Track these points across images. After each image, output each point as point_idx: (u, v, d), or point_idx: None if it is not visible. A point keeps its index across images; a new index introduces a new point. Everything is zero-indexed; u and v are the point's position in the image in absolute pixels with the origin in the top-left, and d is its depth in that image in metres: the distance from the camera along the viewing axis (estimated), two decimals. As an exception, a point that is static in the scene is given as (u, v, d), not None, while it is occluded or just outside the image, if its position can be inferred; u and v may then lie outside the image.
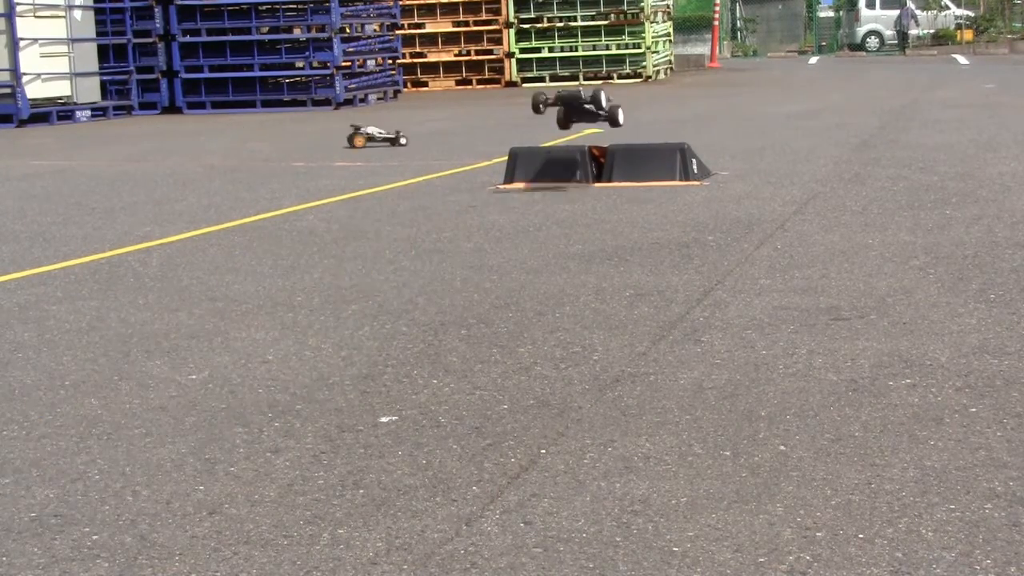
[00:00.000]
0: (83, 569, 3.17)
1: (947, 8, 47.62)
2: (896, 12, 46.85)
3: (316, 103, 24.47)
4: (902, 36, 48.53)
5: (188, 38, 24.38)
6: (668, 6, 32.98)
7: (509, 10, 29.88)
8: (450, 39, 30.41)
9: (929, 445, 3.86)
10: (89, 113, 22.53)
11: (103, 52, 23.74)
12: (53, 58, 21.81)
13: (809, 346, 5.07)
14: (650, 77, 30.08)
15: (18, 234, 8.90)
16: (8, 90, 21.19)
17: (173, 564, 3.18)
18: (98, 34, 23.36)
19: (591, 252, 7.35)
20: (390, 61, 27.43)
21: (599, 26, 30.11)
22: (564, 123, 11.04)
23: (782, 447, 3.88)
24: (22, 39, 21.12)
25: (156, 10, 24.22)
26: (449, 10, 30.20)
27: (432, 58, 30.51)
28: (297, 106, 24.53)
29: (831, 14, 52.63)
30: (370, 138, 14.68)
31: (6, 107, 21.19)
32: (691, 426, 4.12)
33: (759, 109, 19.58)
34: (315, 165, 13.11)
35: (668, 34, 33.05)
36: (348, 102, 24.51)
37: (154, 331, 5.75)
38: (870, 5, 48.55)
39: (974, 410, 4.19)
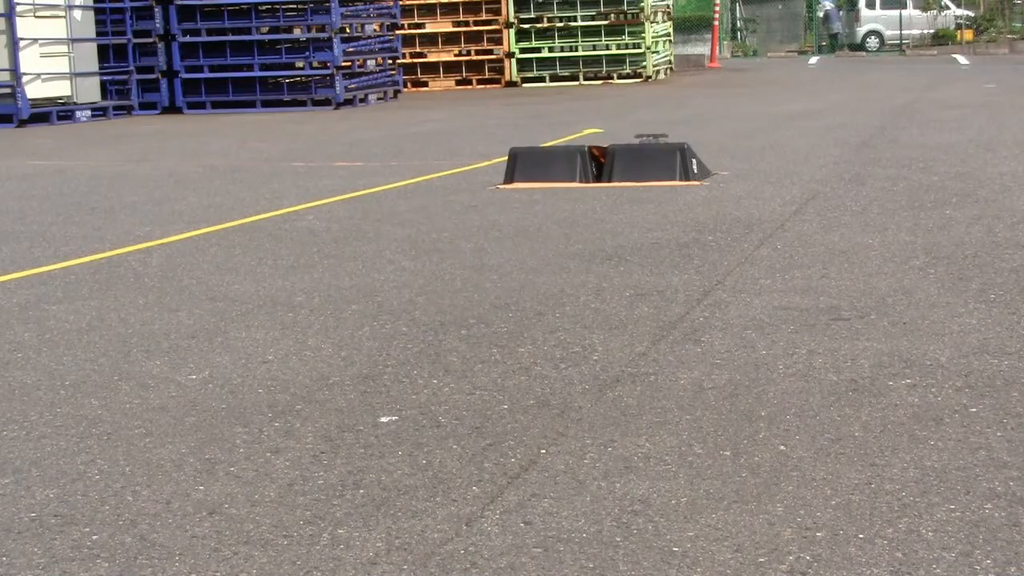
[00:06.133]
0: (83, 569, 3.17)
1: (947, 8, 47.64)
2: (896, 12, 46.91)
3: (316, 103, 24.47)
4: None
5: (188, 38, 24.37)
6: (668, 6, 32.96)
7: (509, 10, 29.87)
8: (450, 39, 30.40)
9: (929, 445, 3.86)
10: (89, 113, 22.52)
11: (103, 52, 23.74)
12: (53, 58, 21.80)
13: (809, 346, 5.07)
14: (650, 77, 30.08)
15: (18, 234, 8.90)
16: (8, 90, 21.18)
17: (173, 564, 3.18)
18: (98, 34, 23.35)
19: (591, 252, 7.35)
20: (390, 61, 27.43)
21: (599, 26, 30.10)
22: None
23: (782, 447, 3.88)
24: (22, 39, 21.12)
25: (156, 10, 24.20)
26: (449, 10, 30.18)
27: (432, 58, 30.50)
28: (297, 106, 24.52)
29: (837, 13, 52.70)
30: None
31: (6, 107, 21.18)
32: (691, 426, 4.12)
33: (759, 109, 19.58)
34: (315, 165, 13.11)
35: (668, 34, 33.04)
36: (348, 102, 24.51)
37: (154, 331, 5.75)
38: (870, 5, 48.60)
39: (974, 410, 4.19)
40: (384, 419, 4.31)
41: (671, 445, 3.94)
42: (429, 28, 30.36)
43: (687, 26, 41.29)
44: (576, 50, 30.21)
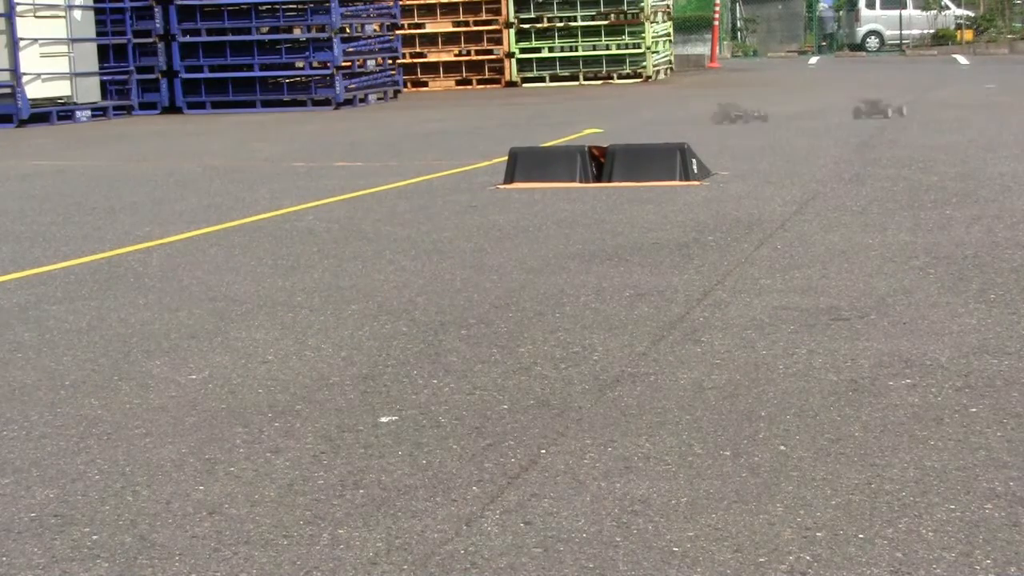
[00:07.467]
0: (83, 569, 3.17)
1: (947, 8, 47.65)
2: (896, 12, 46.92)
3: (316, 103, 24.47)
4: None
5: (188, 38, 24.38)
6: (668, 6, 32.97)
7: (509, 10, 29.87)
8: (450, 39, 30.40)
9: (929, 445, 3.86)
10: (89, 113, 22.52)
11: (103, 52, 23.74)
12: (53, 58, 21.80)
13: (809, 346, 5.07)
14: (650, 77, 30.08)
15: (18, 234, 8.90)
16: (8, 90, 21.18)
17: (173, 564, 3.18)
18: (98, 34, 23.35)
19: (591, 252, 7.35)
20: (390, 61, 27.43)
21: (599, 26, 30.11)
22: None
23: (782, 447, 3.88)
24: (22, 39, 21.12)
25: (156, 10, 24.21)
26: (449, 10, 30.19)
27: (432, 58, 30.51)
28: (297, 106, 24.53)
29: (831, 14, 52.78)
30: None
31: (6, 107, 21.18)
32: (691, 426, 4.12)
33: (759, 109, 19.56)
34: (315, 165, 13.11)
35: (668, 34, 33.04)
36: (348, 102, 24.51)
37: (154, 331, 5.75)
38: (870, 5, 48.62)
39: (974, 410, 4.19)
40: (384, 419, 4.31)
41: (671, 445, 3.94)
42: (429, 28, 30.36)
43: (687, 26, 41.31)
44: (576, 50, 30.22)
